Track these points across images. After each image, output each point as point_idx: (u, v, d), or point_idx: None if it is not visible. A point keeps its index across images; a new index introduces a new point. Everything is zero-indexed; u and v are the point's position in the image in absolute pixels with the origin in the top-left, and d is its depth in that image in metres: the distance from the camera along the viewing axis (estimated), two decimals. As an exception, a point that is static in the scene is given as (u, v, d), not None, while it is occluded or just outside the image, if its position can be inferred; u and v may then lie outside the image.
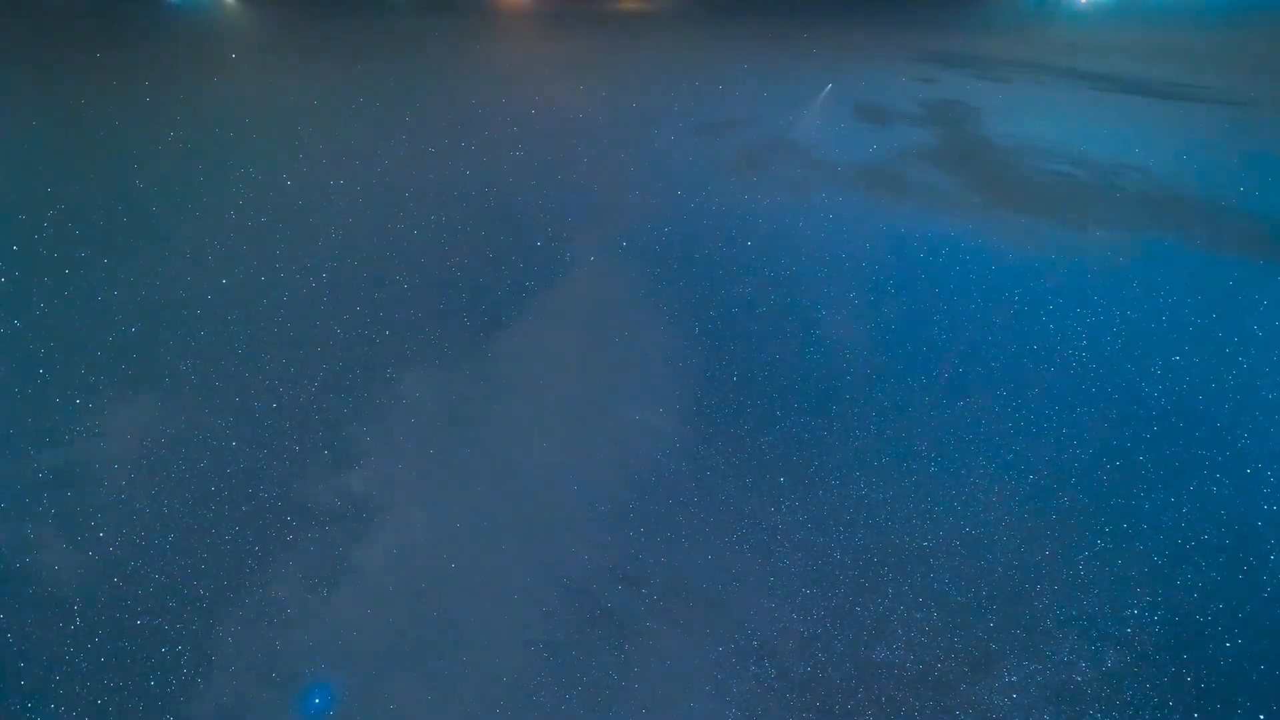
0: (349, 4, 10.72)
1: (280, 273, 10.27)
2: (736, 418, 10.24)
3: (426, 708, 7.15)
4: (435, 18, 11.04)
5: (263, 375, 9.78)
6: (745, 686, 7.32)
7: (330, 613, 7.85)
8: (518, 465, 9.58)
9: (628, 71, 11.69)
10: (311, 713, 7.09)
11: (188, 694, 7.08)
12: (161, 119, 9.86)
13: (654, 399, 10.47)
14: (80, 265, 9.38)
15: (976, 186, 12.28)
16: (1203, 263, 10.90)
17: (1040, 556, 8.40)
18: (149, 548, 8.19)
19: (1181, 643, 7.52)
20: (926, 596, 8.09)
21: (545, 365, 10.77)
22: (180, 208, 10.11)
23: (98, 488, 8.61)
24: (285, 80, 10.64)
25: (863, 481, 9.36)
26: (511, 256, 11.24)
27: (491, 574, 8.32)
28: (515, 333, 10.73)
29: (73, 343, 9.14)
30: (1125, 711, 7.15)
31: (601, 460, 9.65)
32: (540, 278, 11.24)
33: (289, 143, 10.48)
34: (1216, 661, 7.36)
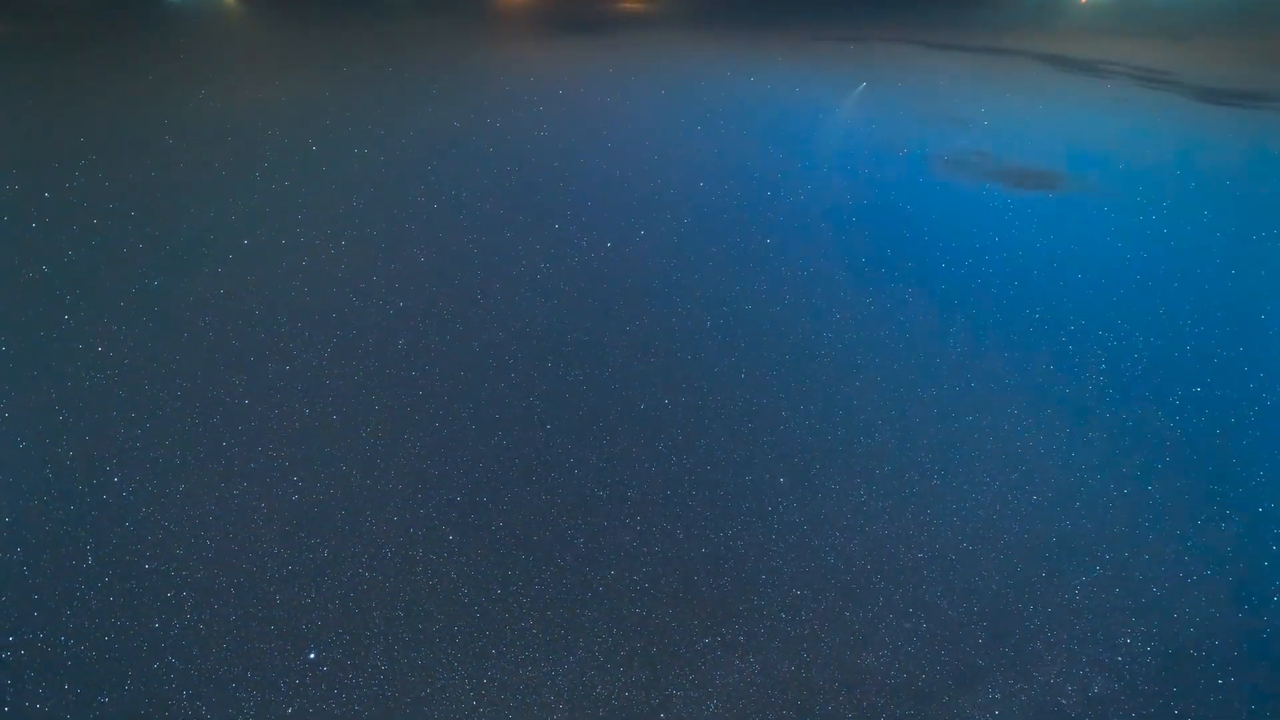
0: (349, 5, 10.76)
1: (300, 237, 10.39)
2: (741, 415, 10.22)
3: (418, 670, 7.34)
4: (441, 16, 11.08)
5: (277, 337, 9.95)
6: (728, 680, 7.40)
7: (332, 571, 8.06)
8: (519, 447, 9.67)
9: (648, 64, 11.57)
10: (303, 667, 7.32)
11: (189, 638, 7.34)
12: (193, 80, 9.96)
13: (660, 390, 10.47)
14: (108, 216, 9.56)
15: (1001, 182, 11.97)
16: (1230, 287, 10.57)
17: (1036, 578, 8.33)
18: (160, 495, 8.45)
19: (1172, 676, 7.45)
20: (917, 607, 8.08)
21: (551, 353, 10.81)
22: (207, 165, 10.24)
23: (114, 434, 8.87)
24: (308, 56, 10.69)
25: (863, 488, 9.32)
26: (528, 238, 11.25)
27: (489, 549, 8.46)
28: (522, 318, 10.77)
29: (97, 292, 9.36)
30: (1107, 738, 7.13)
31: (602, 447, 9.71)
32: (555, 260, 11.24)
33: (315, 108, 10.53)
34: (1206, 698, 7.28)
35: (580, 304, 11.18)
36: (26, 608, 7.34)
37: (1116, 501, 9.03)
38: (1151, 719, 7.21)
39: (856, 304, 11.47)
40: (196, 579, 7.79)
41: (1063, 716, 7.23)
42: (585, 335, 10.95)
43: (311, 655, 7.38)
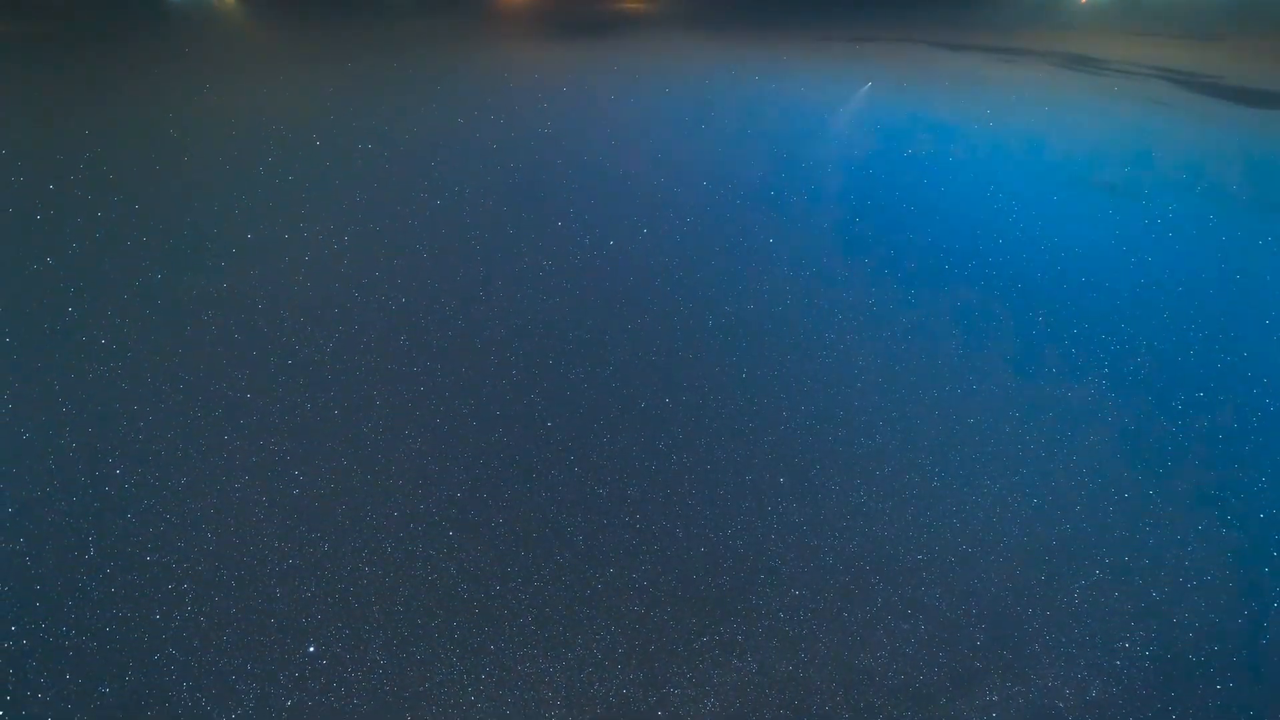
0: (350, 5, 10.81)
1: (304, 232, 10.41)
2: (742, 414, 10.22)
3: (417, 665, 7.37)
4: (442, 15, 11.13)
5: (280, 331, 9.98)
6: (726, 678, 7.41)
7: (332, 565, 8.09)
8: (519, 444, 9.68)
9: (652, 63, 11.57)
10: (303, 660, 7.35)
11: (190, 630, 7.38)
12: (196, 77, 9.98)
13: (660, 389, 10.47)
14: (112, 209, 9.59)
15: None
16: (1236, 292, 10.53)
17: (1035, 581, 8.32)
18: (162, 488, 8.48)
19: (1170, 680, 7.44)
20: (915, 609, 8.08)
21: (552, 351, 10.82)
22: (211, 160, 10.25)
23: (116, 427, 8.91)
24: (311, 54, 10.72)
25: (863, 490, 9.31)
26: (531, 235, 11.25)
27: (488, 545, 8.48)
28: (524, 315, 10.77)
29: (100, 284, 9.40)
30: (1104, 742, 7.12)
31: (602, 445, 9.72)
32: (558, 258, 11.24)
33: (318, 105, 10.54)
34: (1205, 702, 7.27)
35: (582, 302, 11.18)
36: (28, 598, 7.38)
37: (1117, 505, 9.02)
38: (1149, 723, 7.19)
39: (858, 304, 11.45)
40: (197, 572, 7.82)
41: (1060, 719, 7.23)
42: (587, 333, 10.96)
43: (311, 649, 7.41)
